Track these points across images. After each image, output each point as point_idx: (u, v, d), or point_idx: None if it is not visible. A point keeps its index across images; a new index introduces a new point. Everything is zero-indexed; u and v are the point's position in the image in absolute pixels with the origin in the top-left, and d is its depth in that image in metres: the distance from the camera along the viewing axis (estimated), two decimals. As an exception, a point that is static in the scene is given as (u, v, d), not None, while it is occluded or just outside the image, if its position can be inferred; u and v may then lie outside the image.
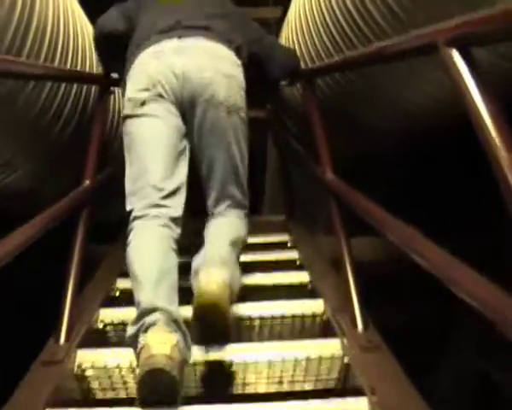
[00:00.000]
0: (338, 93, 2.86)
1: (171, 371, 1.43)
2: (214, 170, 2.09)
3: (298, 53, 3.03)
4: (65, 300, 1.95)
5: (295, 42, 3.24)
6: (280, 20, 4.05)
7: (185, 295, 1.82)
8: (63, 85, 2.38)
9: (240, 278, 1.99)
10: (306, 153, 2.85)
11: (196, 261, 1.92)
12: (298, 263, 2.72)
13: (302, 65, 2.95)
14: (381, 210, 1.57)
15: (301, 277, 2.47)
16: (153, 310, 1.60)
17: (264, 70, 2.52)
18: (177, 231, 1.93)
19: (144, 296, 1.65)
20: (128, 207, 1.94)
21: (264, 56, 2.47)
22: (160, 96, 2.02)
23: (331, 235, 2.16)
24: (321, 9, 2.66)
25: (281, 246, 3.03)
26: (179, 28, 2.15)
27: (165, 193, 1.92)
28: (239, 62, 2.20)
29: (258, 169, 5.19)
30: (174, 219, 1.92)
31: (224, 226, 2.08)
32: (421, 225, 1.31)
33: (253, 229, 3.17)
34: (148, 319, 1.57)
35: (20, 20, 1.89)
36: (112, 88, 2.68)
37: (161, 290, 1.68)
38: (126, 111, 2.07)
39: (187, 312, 1.77)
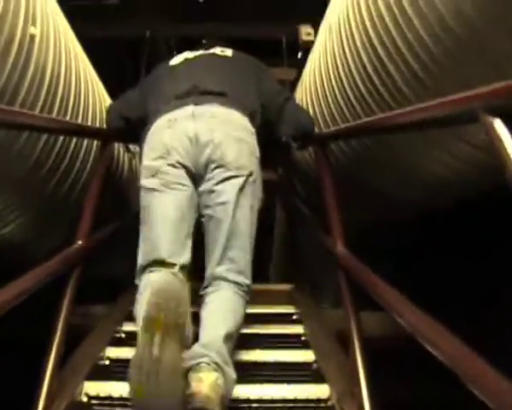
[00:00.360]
0: (352, 159, 2.73)
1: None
2: (217, 231, 2.04)
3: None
4: (45, 370, 1.75)
5: (309, 104, 3.14)
6: (294, 82, 3.98)
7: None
8: (61, 137, 2.25)
9: (233, 381, 1.79)
10: (316, 221, 2.70)
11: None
12: (303, 339, 2.53)
13: (316, 129, 2.85)
14: (392, 291, 1.44)
15: (306, 355, 2.27)
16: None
17: (276, 128, 2.48)
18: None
19: None
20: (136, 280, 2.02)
21: (278, 114, 2.44)
22: (175, 164, 2.06)
23: (339, 307, 2.02)
24: (338, 72, 2.56)
25: (286, 318, 2.84)
26: (195, 93, 2.20)
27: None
28: (252, 130, 2.21)
29: (266, 233, 5.09)
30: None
31: (220, 313, 1.93)
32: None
33: (258, 297, 3.06)
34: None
35: (14, 65, 1.77)
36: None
37: None
38: (142, 181, 2.12)
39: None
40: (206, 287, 2.01)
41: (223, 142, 2.06)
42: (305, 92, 3.28)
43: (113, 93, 3.46)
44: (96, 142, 2.68)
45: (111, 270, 3.70)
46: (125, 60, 5.17)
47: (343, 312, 1.93)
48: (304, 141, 2.64)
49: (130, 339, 2.45)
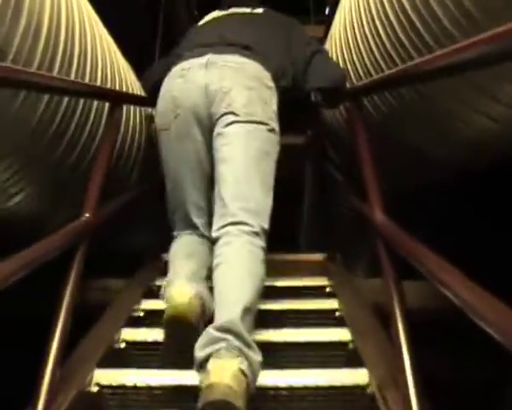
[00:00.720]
0: (387, 115, 2.45)
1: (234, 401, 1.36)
2: (225, 171, 1.95)
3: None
4: (48, 354, 1.53)
5: (339, 58, 2.86)
6: (322, 40, 3.68)
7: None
8: (65, 99, 2.02)
9: (258, 365, 1.60)
10: (350, 187, 2.44)
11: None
12: (337, 314, 2.31)
13: (348, 84, 2.58)
14: (440, 261, 1.22)
15: (341, 334, 2.05)
16: None
17: (304, 82, 2.36)
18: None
19: None
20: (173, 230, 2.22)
21: (305, 67, 2.35)
22: (183, 115, 2.05)
23: (373, 277, 1.80)
24: (372, 19, 2.27)
25: (318, 292, 2.62)
26: (220, 44, 2.19)
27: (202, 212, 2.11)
28: (269, 84, 2.14)
29: (295, 202, 4.86)
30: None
31: (234, 281, 1.73)
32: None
33: (288, 268, 2.85)
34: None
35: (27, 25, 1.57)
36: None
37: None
38: (157, 127, 2.20)
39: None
40: (216, 239, 1.85)
41: (232, 89, 2.01)
42: (335, 46, 2.99)
43: (129, 56, 3.30)
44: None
45: (131, 242, 3.51)
46: (140, 18, 4.88)
47: (381, 282, 1.69)
48: (334, 96, 2.42)
49: (149, 318, 2.28)
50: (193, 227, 2.13)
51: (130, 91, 3.02)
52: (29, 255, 1.43)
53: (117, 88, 2.73)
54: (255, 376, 1.56)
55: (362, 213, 1.99)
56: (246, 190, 1.89)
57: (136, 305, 2.35)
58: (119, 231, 3.14)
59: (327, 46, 3.27)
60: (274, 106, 2.12)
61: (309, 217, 4.83)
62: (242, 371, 1.46)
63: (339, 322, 2.23)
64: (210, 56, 2.10)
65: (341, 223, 3.79)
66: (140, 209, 3.03)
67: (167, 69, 2.27)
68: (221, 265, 1.76)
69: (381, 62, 2.30)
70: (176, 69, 2.17)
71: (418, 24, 1.87)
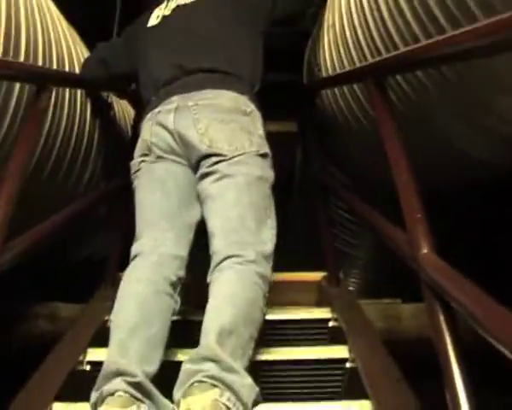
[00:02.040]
0: (416, 101, 1.87)
1: None
2: (215, 206, 1.76)
3: (354, 46, 2.19)
4: None
5: (347, 32, 2.25)
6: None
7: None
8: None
9: (249, 389, 1.36)
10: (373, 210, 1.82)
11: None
12: (348, 366, 1.73)
13: (358, 61, 2.00)
14: None
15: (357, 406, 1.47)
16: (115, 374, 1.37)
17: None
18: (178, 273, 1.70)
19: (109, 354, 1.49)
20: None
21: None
22: (159, 157, 1.89)
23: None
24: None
25: (319, 328, 2.04)
26: (183, 75, 2.00)
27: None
28: (248, 109, 1.92)
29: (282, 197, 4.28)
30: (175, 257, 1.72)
31: (215, 307, 1.54)
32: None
33: (280, 291, 2.24)
34: (107, 388, 1.34)
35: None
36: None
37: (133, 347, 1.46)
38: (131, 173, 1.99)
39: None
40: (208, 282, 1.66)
41: (208, 128, 1.82)
42: (337, 18, 2.38)
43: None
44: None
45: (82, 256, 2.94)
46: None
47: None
48: None
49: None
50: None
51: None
52: None
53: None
54: (246, 402, 1.32)
55: (393, 245, 1.39)
56: (237, 224, 1.70)
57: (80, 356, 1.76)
58: (67, 245, 2.55)
59: (326, 18, 2.66)
60: (260, 130, 1.92)
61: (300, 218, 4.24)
62: (219, 404, 1.25)
63: (352, 379, 1.66)
64: (177, 100, 1.91)
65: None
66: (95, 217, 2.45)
67: (126, 69, 2.36)
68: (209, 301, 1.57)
69: (406, 33, 1.70)
70: (149, 115, 1.99)
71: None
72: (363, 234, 3.53)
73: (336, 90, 2.47)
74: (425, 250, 1.19)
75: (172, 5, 2.28)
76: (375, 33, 1.91)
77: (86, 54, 2.76)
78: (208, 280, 1.64)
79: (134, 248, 1.76)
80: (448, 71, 1.64)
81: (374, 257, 3.76)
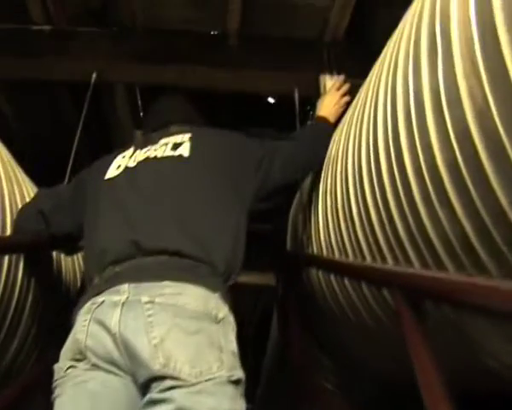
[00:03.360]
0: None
1: None
2: None
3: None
4: None
5: (353, 206, 1.80)
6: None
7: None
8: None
9: None
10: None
11: None
12: None
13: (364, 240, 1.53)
14: None
15: None
16: None
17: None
18: None
19: None
20: None
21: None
22: (95, 365, 1.37)
23: None
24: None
25: None
26: (138, 255, 1.52)
27: None
28: (222, 314, 1.43)
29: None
30: None
31: None
32: None
33: None
34: None
35: None
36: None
37: None
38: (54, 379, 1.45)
39: None
40: None
41: (165, 339, 1.32)
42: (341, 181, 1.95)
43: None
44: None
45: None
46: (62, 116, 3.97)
47: None
48: None
49: None
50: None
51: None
52: None
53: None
54: None
55: None
56: None
57: None
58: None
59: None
60: (233, 344, 1.42)
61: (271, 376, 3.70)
62: None
63: None
64: (127, 291, 1.42)
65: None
66: None
67: (70, 228, 1.88)
68: None
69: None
70: (87, 303, 1.48)
71: None
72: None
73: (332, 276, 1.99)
74: None
75: (141, 156, 1.82)
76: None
77: (32, 193, 2.26)
78: None
79: None
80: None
81: None
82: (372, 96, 1.68)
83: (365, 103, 1.76)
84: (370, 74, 1.84)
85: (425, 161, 1.25)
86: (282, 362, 3.40)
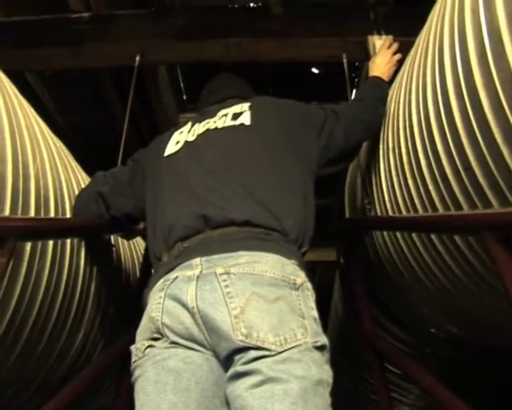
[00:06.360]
0: None
1: None
2: None
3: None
4: None
5: (422, 159, 1.72)
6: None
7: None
8: None
9: None
10: None
11: None
12: None
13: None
14: None
15: None
16: None
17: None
18: None
19: None
20: None
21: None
22: (174, 343, 1.33)
23: None
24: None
25: None
26: (207, 229, 1.48)
27: None
28: (300, 279, 1.36)
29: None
30: None
31: None
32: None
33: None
34: None
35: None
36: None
37: None
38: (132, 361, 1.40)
39: None
40: None
41: (246, 309, 1.27)
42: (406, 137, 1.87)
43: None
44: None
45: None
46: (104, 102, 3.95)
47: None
48: None
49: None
50: None
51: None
52: None
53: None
54: None
55: None
56: None
57: None
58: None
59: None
60: (314, 311, 1.35)
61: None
62: None
63: None
64: (200, 265, 1.38)
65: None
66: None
67: (131, 209, 1.86)
68: None
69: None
70: (159, 281, 1.44)
71: None
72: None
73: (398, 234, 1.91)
74: None
75: (200, 129, 1.78)
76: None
77: (86, 180, 2.25)
78: None
79: None
80: None
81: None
82: (435, 43, 1.60)
83: (426, 53, 1.68)
84: (430, 18, 1.75)
85: (506, 96, 1.17)
86: (343, 342, 3.34)
